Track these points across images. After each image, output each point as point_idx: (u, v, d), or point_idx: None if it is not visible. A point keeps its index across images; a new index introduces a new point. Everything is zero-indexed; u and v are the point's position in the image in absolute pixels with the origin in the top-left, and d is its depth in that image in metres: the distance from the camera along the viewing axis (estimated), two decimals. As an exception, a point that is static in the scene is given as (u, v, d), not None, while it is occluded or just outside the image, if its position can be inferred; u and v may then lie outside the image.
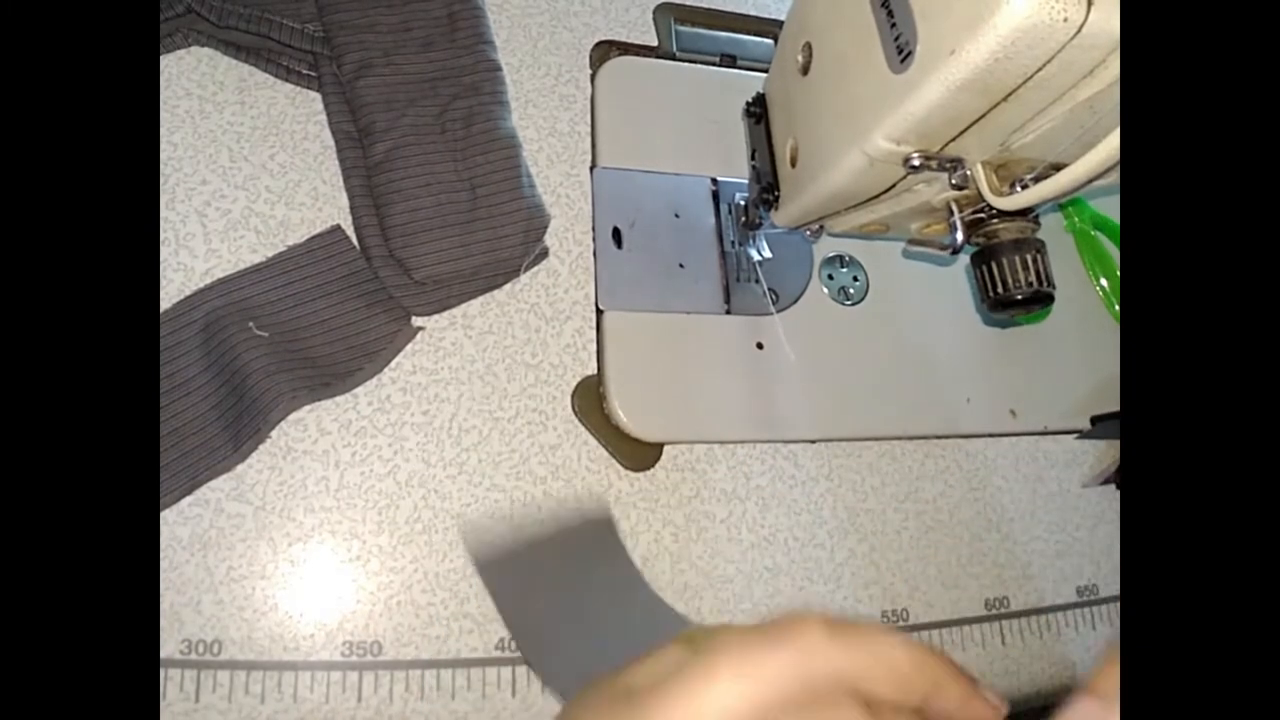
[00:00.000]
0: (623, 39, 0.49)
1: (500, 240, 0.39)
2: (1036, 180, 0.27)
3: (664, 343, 0.42)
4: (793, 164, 0.34)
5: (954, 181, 0.27)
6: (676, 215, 0.45)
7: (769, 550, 0.41)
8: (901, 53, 0.24)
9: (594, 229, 0.44)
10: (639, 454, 0.41)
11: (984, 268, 0.31)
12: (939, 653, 0.20)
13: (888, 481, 0.44)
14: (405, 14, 0.42)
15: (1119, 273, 0.52)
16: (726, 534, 0.41)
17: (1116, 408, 0.48)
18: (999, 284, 0.30)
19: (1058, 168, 0.25)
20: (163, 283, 0.37)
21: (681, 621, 0.38)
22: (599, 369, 0.42)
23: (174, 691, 0.32)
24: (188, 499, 0.35)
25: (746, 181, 0.42)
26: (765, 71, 0.38)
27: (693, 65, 0.50)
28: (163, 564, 0.34)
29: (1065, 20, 0.20)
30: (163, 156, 0.39)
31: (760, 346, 0.43)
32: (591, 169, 0.46)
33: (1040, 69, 0.22)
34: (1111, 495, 0.48)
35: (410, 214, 0.38)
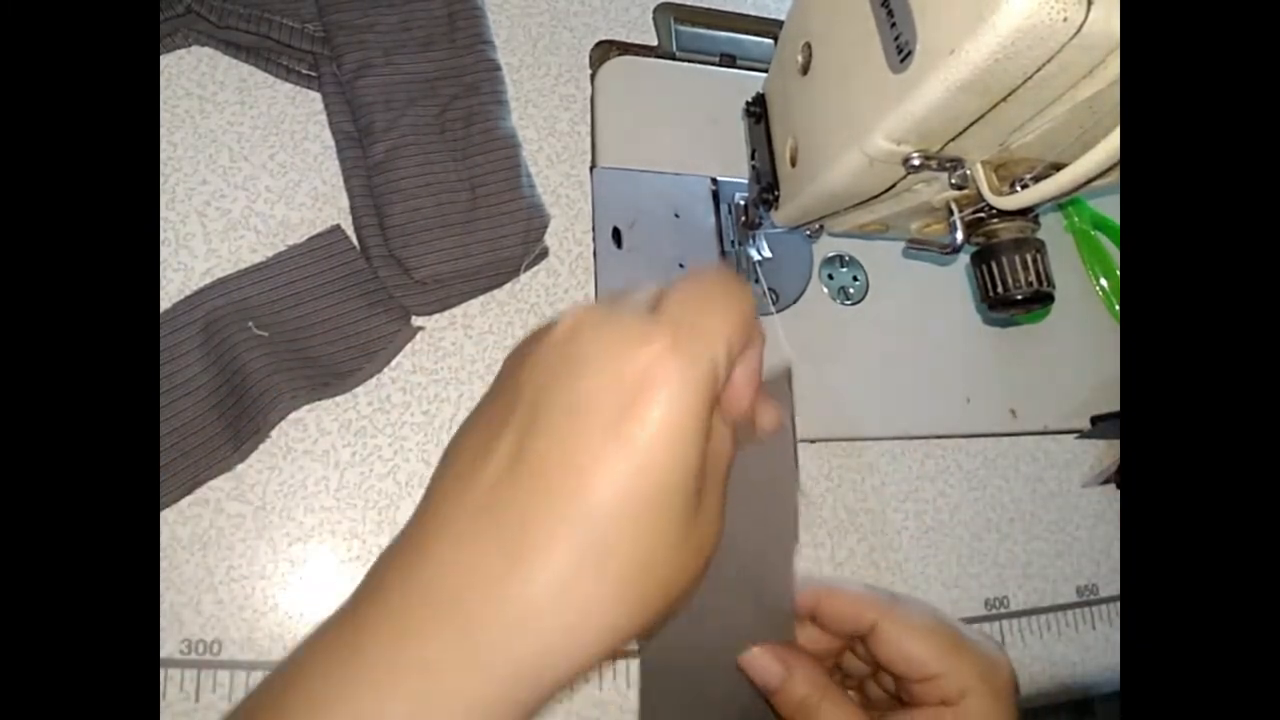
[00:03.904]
0: (623, 39, 0.49)
1: (500, 240, 0.39)
2: (1036, 180, 0.27)
3: (664, 343, 0.42)
4: (793, 164, 0.34)
5: (954, 181, 0.27)
6: (676, 215, 0.45)
7: (769, 550, 0.41)
8: (901, 52, 0.24)
9: (594, 229, 0.44)
10: (639, 454, 0.41)
11: (984, 267, 0.31)
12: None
13: (888, 481, 0.44)
14: (405, 14, 0.42)
15: (1119, 273, 0.52)
16: (726, 534, 0.41)
17: (1116, 408, 0.48)
18: (999, 284, 0.30)
19: (1058, 168, 0.25)
20: (163, 283, 0.37)
21: None
22: (599, 369, 0.42)
23: (174, 691, 0.32)
24: (188, 499, 0.35)
25: (746, 181, 0.42)
26: (765, 71, 0.38)
27: (693, 65, 0.50)
28: (163, 564, 0.34)
29: (1065, 20, 0.20)
30: (163, 156, 0.39)
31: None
32: (591, 169, 0.46)
33: (1040, 69, 0.22)
34: (1111, 495, 0.48)
35: (410, 214, 0.38)
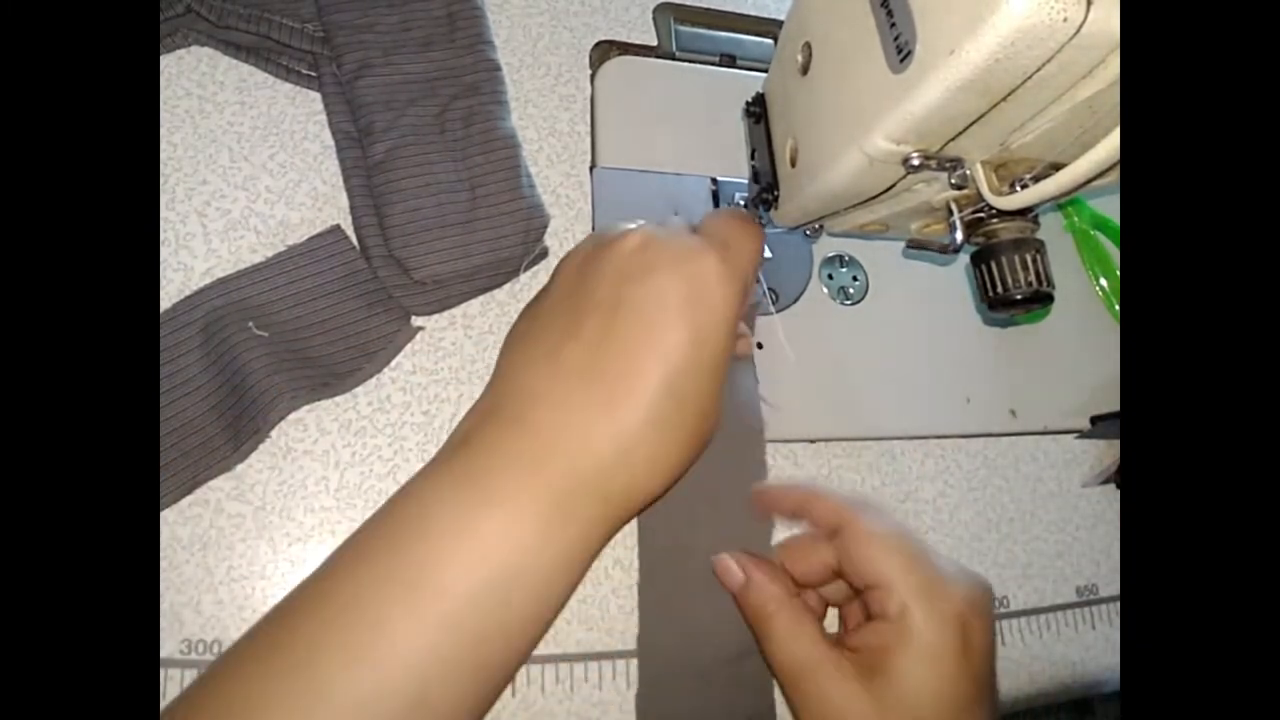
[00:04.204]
0: (623, 39, 0.49)
1: (500, 240, 0.39)
2: (1036, 180, 0.27)
3: (664, 343, 0.42)
4: (792, 164, 0.34)
5: (953, 181, 0.27)
6: (676, 215, 0.45)
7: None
8: (901, 53, 0.24)
9: (594, 229, 0.44)
10: (639, 454, 0.41)
11: (983, 267, 0.31)
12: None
13: (888, 481, 0.44)
14: (405, 14, 0.42)
15: (1119, 273, 0.52)
16: (726, 534, 0.41)
17: (1116, 408, 0.48)
18: (998, 284, 0.30)
19: (1058, 168, 0.25)
20: (163, 283, 0.37)
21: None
22: (599, 369, 0.42)
23: (174, 691, 0.32)
24: (188, 499, 0.35)
25: (746, 181, 0.42)
26: (765, 71, 0.38)
27: (693, 65, 0.50)
28: (163, 564, 0.34)
29: (1065, 20, 0.20)
30: (163, 156, 0.39)
31: (760, 346, 0.44)
32: (591, 169, 0.46)
33: (1040, 69, 0.22)
34: (1111, 495, 0.48)
35: (410, 214, 0.38)
